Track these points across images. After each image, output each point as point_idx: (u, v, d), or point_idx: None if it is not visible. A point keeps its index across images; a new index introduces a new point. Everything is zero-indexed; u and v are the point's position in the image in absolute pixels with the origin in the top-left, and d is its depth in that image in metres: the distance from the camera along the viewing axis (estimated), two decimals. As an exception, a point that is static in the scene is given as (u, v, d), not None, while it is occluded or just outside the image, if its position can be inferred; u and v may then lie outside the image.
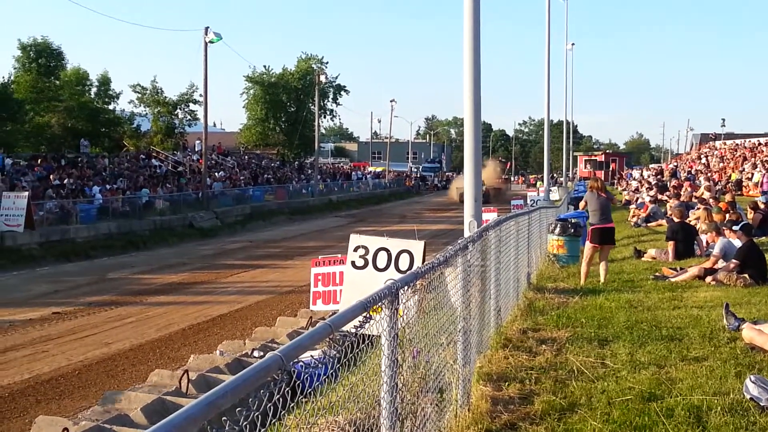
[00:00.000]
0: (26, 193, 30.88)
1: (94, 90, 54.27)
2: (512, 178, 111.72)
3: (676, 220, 18.53)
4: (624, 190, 54.35)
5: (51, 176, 38.65)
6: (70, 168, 41.50)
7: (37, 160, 41.56)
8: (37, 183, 36.28)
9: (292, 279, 23.94)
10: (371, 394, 4.44)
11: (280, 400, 2.91)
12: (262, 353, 12.91)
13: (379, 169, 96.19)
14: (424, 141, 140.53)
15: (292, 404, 3.19)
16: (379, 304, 4.21)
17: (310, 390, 3.50)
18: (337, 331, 3.54)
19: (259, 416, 2.73)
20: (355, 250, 12.09)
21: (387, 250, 11.90)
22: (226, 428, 2.46)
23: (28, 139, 47.65)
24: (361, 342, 4.02)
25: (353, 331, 3.84)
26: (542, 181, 61.21)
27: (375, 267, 11.87)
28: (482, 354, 8.32)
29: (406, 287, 4.73)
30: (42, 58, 50.27)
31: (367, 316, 3.91)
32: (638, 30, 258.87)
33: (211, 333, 16.69)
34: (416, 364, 5.25)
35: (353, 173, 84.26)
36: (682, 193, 30.56)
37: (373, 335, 4.22)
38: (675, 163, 64.70)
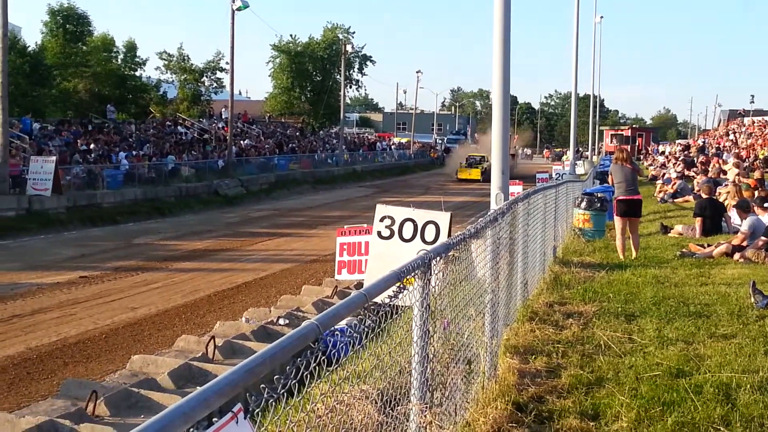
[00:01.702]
0: (54, 158, 31.06)
1: (120, 57, 54.35)
2: (522, 152, 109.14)
3: (704, 196, 18.38)
4: (650, 165, 53.91)
5: (78, 141, 38.84)
6: (96, 133, 41.68)
7: (65, 126, 41.75)
8: (64, 148, 36.46)
9: (317, 248, 23.99)
10: (399, 365, 4.45)
11: (316, 368, 2.91)
12: (287, 321, 12.98)
13: (403, 140, 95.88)
14: (449, 113, 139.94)
15: (328, 372, 3.20)
16: (412, 274, 4.21)
17: (340, 360, 3.50)
18: (372, 299, 3.54)
19: (296, 384, 2.74)
20: (381, 220, 12.06)
21: (413, 220, 11.86)
22: (265, 395, 2.47)
23: (55, 105, 47.83)
24: (388, 313, 4.01)
25: (387, 301, 3.85)
26: (567, 154, 60.89)
27: (401, 237, 11.85)
28: (509, 327, 8.32)
29: (438, 258, 4.72)
30: (69, 24, 50.30)
31: (401, 286, 3.91)
32: (667, 3, 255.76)
33: (237, 300, 16.77)
34: (446, 335, 5.25)
35: (378, 144, 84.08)
36: (710, 169, 30.27)
37: (399, 306, 4.21)
38: (703, 139, 64.03)
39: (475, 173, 61.38)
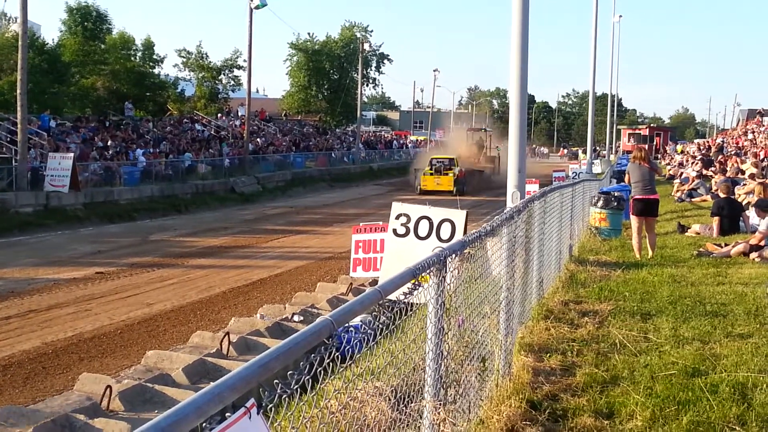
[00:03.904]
0: (72, 155, 31.23)
1: (138, 54, 54.55)
2: (538, 150, 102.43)
3: (722, 195, 18.28)
4: (668, 164, 53.65)
5: (95, 138, 39.03)
6: (114, 130, 41.87)
7: (82, 122, 41.95)
8: (81, 145, 36.64)
9: (332, 245, 24.00)
10: (413, 362, 4.44)
11: (330, 364, 2.91)
12: (302, 318, 12.99)
13: (420, 139, 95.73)
14: (466, 111, 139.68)
15: (341, 368, 3.20)
16: (427, 271, 4.20)
17: (354, 357, 3.50)
18: (387, 296, 3.54)
19: (310, 380, 2.74)
20: (397, 218, 12.09)
21: (429, 218, 11.88)
22: (278, 391, 2.47)
23: (73, 102, 48.04)
24: (403, 310, 4.00)
25: (402, 298, 3.84)
26: (584, 153, 60.37)
27: (416, 235, 11.87)
28: (524, 324, 8.30)
29: (453, 255, 4.71)
30: (88, 22, 50.51)
31: (417, 283, 3.90)
32: (686, 2, 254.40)
33: (252, 296, 16.80)
34: (461, 333, 5.25)
35: (394, 142, 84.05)
36: (728, 168, 30.10)
37: (412, 303, 4.20)
38: (721, 138, 63.66)
39: (446, 182, 45.52)
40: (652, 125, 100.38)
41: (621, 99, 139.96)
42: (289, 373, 2.60)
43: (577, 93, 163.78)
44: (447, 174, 46.38)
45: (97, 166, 34.86)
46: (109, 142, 38.78)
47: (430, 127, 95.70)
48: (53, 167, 30.24)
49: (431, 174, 46.83)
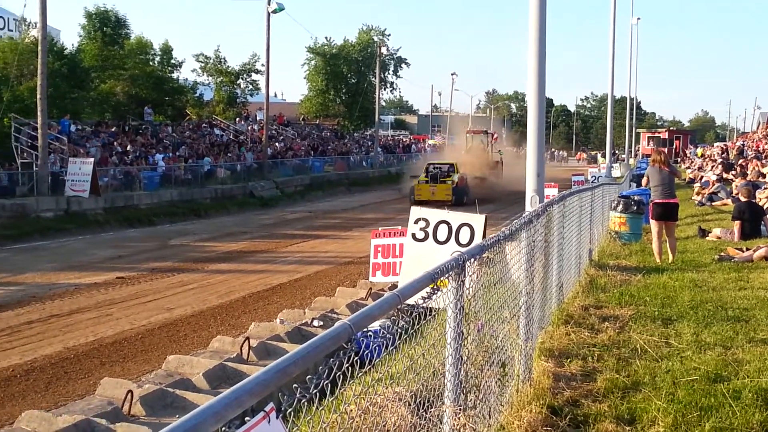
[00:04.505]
0: (92, 159, 31.48)
1: (156, 59, 54.80)
2: (557, 154, 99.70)
3: (743, 199, 18.14)
4: (688, 168, 53.37)
5: (115, 143, 39.24)
6: (133, 135, 42.09)
7: (102, 127, 42.18)
8: (101, 149, 36.85)
9: (351, 250, 24.01)
10: (433, 367, 4.43)
11: (349, 369, 2.90)
12: (321, 323, 13.00)
13: (436, 142, 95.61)
14: (484, 115, 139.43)
15: (361, 373, 3.19)
16: (446, 276, 4.19)
17: (373, 362, 3.48)
18: (405, 300, 3.52)
19: (329, 384, 2.73)
20: (416, 222, 12.07)
21: (448, 223, 11.86)
22: (297, 395, 2.46)
23: (93, 107, 48.31)
24: (422, 315, 3.98)
25: (420, 302, 3.83)
26: (603, 156, 60.02)
27: (435, 240, 11.85)
28: (543, 330, 8.26)
29: (472, 259, 4.69)
30: (107, 27, 50.79)
31: (435, 287, 3.88)
32: (706, 4, 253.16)
33: (271, 301, 16.82)
34: (480, 338, 5.22)
35: (412, 146, 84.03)
36: (749, 171, 29.89)
37: (431, 308, 4.18)
38: (742, 141, 63.26)
39: (443, 191, 40.06)
40: (671, 128, 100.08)
41: (640, 102, 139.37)
42: (308, 377, 2.59)
43: (596, 96, 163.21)
44: (444, 182, 41.29)
45: (117, 170, 35.09)
46: (128, 147, 39.01)
47: (449, 131, 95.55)
48: (74, 172, 30.44)
49: (426, 182, 41.76)
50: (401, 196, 44.32)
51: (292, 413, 2.43)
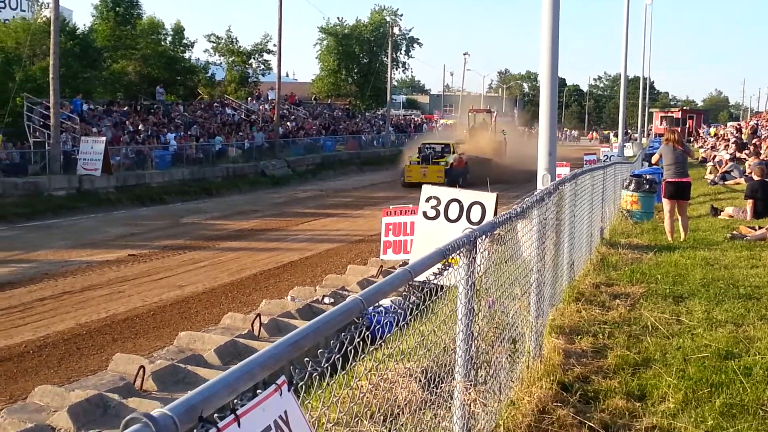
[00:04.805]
0: (104, 138, 31.52)
1: (168, 39, 54.76)
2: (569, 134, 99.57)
3: (756, 178, 18.07)
4: (701, 147, 53.13)
5: (127, 122, 39.30)
6: (145, 115, 42.13)
7: (114, 107, 42.24)
8: (112, 129, 36.91)
9: (362, 228, 24.03)
10: (443, 343, 4.44)
11: (360, 343, 2.91)
12: (332, 300, 13.03)
13: (450, 122, 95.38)
14: (496, 95, 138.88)
15: (372, 348, 3.20)
16: (457, 252, 4.19)
17: (384, 338, 3.50)
18: (417, 277, 3.53)
19: (340, 359, 2.74)
20: (427, 200, 12.06)
21: (459, 201, 11.84)
22: (309, 369, 2.48)
23: (105, 86, 48.37)
24: (433, 291, 3.98)
25: (431, 279, 3.83)
26: (615, 136, 59.75)
27: (446, 218, 11.84)
28: (554, 307, 8.27)
29: (483, 236, 4.69)
30: (119, 7, 50.77)
31: (447, 263, 3.89)
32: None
33: (282, 279, 16.87)
34: (491, 314, 5.23)
35: (424, 125, 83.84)
36: (762, 151, 29.75)
37: (442, 285, 4.18)
38: (755, 121, 62.87)
39: (434, 173, 37.05)
40: (684, 108, 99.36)
41: (653, 82, 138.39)
42: (319, 351, 2.61)
43: (609, 76, 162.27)
44: (438, 163, 38.93)
45: (129, 149, 35.15)
46: (140, 126, 39.06)
47: (460, 111, 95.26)
48: (85, 151, 30.50)
49: (418, 163, 39.38)
50: (393, 179, 42.17)
51: (304, 388, 2.44)
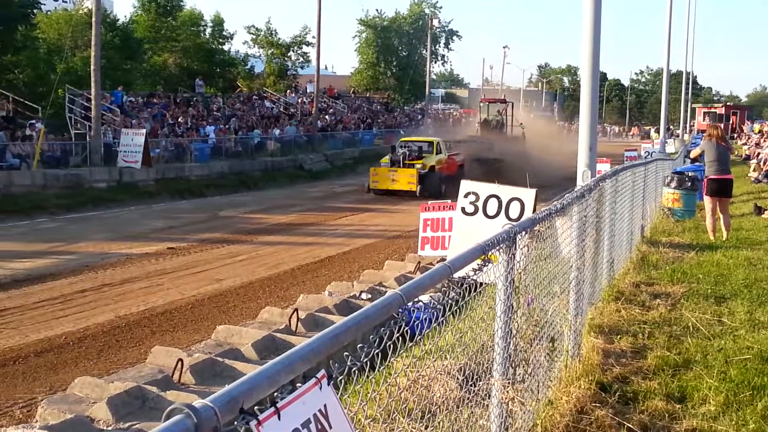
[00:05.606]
0: (144, 131, 31.74)
1: (208, 31, 55.10)
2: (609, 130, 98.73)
3: (800, 176, 17.80)
4: (744, 144, 52.41)
5: (166, 115, 39.60)
6: (185, 107, 42.43)
7: (153, 99, 42.60)
8: (152, 121, 37.21)
9: (400, 223, 24.00)
10: (482, 340, 4.41)
11: (399, 339, 2.90)
12: (370, 295, 13.02)
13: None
14: (536, 89, 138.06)
15: (411, 344, 3.19)
16: (496, 249, 4.16)
17: (422, 333, 3.48)
18: (456, 272, 3.50)
19: (378, 354, 2.73)
20: (466, 196, 12.01)
21: (497, 197, 11.78)
22: (348, 363, 2.47)
23: (145, 78, 48.81)
24: (471, 287, 3.95)
25: (471, 274, 3.81)
26: (657, 132, 59.06)
27: (485, 214, 11.78)
28: (593, 306, 8.19)
29: (523, 232, 4.65)
30: (160, -1, 51.25)
31: (486, 259, 3.86)
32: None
33: (320, 274, 16.89)
34: (530, 312, 5.19)
35: (463, 119, 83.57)
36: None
37: (480, 282, 4.15)
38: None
39: (404, 178, 31.13)
40: (728, 103, 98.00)
41: (696, 76, 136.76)
42: (359, 346, 2.60)
43: (651, 70, 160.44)
44: (411, 165, 31.48)
45: (168, 142, 35.42)
46: (179, 119, 39.33)
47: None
48: (126, 143, 30.75)
49: (388, 166, 32.31)
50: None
51: (342, 383, 2.43)
